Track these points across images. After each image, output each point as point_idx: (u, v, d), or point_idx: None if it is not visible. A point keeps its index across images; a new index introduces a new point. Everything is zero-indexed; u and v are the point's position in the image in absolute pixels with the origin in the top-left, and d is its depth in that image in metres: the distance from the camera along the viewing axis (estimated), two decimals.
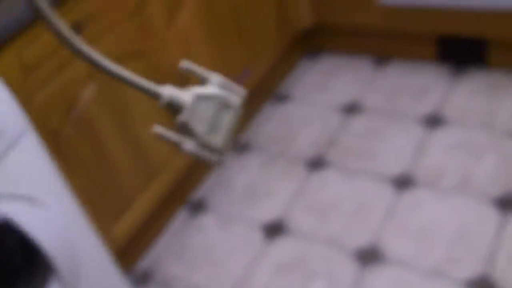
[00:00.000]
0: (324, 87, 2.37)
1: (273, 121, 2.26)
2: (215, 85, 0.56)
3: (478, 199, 1.77)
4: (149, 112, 1.74)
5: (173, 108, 0.54)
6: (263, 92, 2.33)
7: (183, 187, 2.01)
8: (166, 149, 1.83)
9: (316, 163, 2.03)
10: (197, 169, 2.06)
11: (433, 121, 2.08)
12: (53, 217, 1.22)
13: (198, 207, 1.99)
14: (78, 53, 0.51)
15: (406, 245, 1.69)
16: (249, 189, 2.01)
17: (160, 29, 1.72)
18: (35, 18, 1.33)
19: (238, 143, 2.20)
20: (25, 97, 1.37)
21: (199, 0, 1.85)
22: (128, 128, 1.68)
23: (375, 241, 1.73)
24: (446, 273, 1.59)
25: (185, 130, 0.55)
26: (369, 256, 1.69)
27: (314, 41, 2.54)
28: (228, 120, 0.56)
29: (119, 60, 1.60)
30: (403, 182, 1.88)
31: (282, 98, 2.36)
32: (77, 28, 1.46)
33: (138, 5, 1.63)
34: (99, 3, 1.51)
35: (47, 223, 1.19)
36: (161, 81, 1.76)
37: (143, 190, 1.77)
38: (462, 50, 2.29)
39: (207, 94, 0.55)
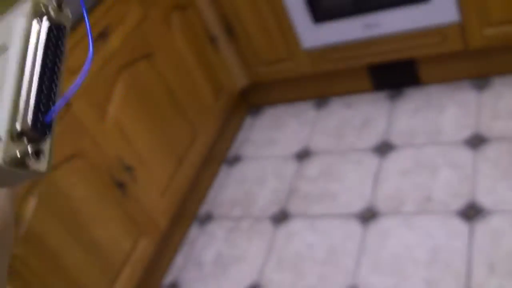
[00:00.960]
0: (272, 140, 2.38)
1: (229, 186, 2.25)
2: None
3: (443, 215, 1.77)
4: (98, 210, 1.70)
5: None
6: (214, 159, 2.32)
7: (153, 275, 1.95)
8: (126, 242, 1.78)
9: (280, 217, 2.01)
10: (164, 252, 2.00)
11: (383, 149, 2.10)
12: None
13: None
14: None
15: (384, 279, 1.67)
16: (219, 259, 1.96)
17: (92, 126, 1.71)
18: None
19: (200, 215, 2.16)
20: None
21: (128, 87, 1.85)
22: (79, 232, 1.63)
23: (354, 282, 1.69)
24: None
25: None
26: None
27: (253, 98, 2.57)
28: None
29: (56, 166, 1.57)
30: (367, 216, 1.87)
31: (234, 161, 2.36)
32: None
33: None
34: None
35: None
36: (104, 176, 1.74)
37: None
38: (394, 75, 2.35)
39: None
